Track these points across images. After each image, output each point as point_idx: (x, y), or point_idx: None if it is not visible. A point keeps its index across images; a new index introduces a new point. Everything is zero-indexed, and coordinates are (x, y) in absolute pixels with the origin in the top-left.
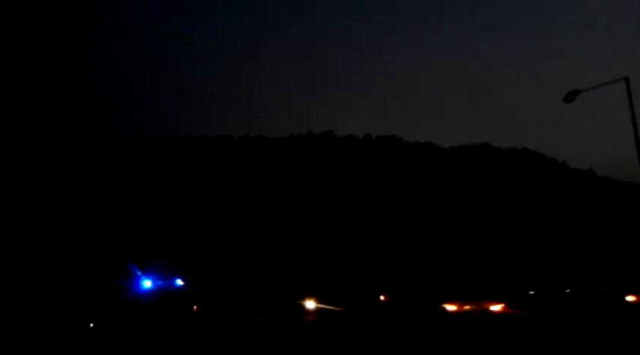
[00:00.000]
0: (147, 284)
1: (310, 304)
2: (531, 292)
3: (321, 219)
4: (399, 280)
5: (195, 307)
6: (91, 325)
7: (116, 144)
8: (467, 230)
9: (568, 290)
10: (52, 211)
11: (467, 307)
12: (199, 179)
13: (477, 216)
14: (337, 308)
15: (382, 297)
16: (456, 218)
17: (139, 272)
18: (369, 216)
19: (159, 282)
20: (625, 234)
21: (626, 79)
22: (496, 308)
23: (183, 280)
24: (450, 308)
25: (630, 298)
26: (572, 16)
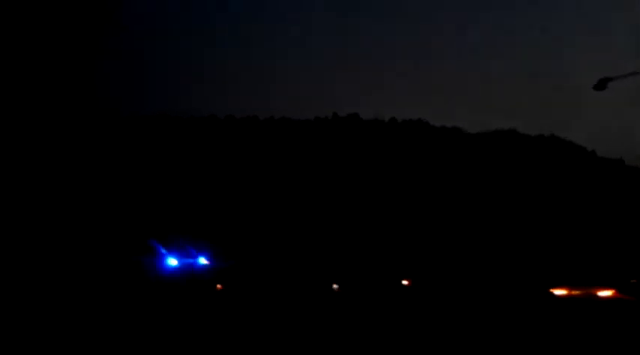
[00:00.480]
0: (172, 262)
1: (334, 286)
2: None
3: (346, 201)
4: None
5: (219, 286)
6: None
7: (141, 124)
8: (493, 215)
9: None
10: (75, 191)
11: (576, 292)
12: (224, 159)
13: (501, 203)
14: (364, 292)
15: (405, 282)
16: (480, 204)
17: (164, 250)
18: (394, 199)
19: (182, 260)
20: None
21: None
22: (606, 293)
23: (207, 259)
24: (559, 292)
25: None
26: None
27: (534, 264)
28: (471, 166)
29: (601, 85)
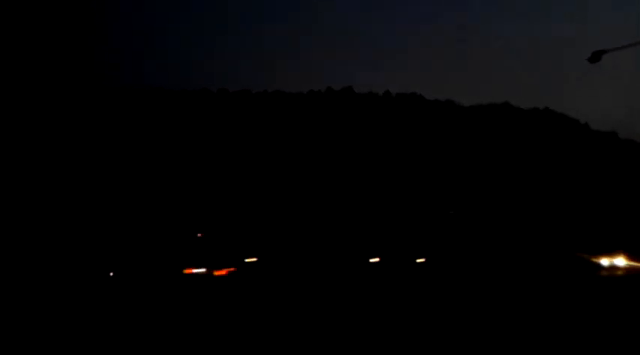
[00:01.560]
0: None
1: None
2: None
3: (339, 175)
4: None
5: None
6: (111, 274)
7: (133, 96)
8: (487, 189)
9: None
10: (59, 161)
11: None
12: (218, 133)
13: (495, 175)
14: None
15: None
16: (474, 176)
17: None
18: (388, 172)
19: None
20: None
21: None
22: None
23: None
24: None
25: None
26: None
27: (529, 232)
28: (465, 139)
29: (595, 57)
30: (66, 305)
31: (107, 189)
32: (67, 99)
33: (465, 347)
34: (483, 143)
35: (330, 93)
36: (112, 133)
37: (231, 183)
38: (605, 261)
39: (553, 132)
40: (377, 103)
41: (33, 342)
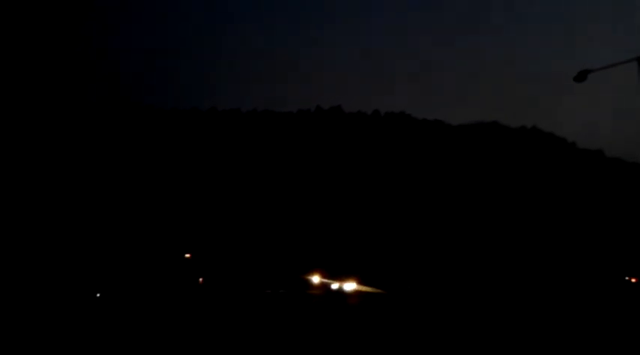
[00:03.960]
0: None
1: (315, 279)
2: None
3: (328, 193)
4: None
5: (201, 279)
6: (97, 295)
7: (124, 114)
8: (474, 206)
9: None
10: (55, 171)
11: None
12: (207, 151)
13: (484, 193)
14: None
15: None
16: (463, 194)
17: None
18: (376, 191)
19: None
20: (634, 215)
21: (639, 59)
22: None
23: (190, 253)
24: None
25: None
26: None
27: (513, 249)
28: (453, 158)
29: (581, 76)
30: (53, 326)
31: (97, 206)
32: (58, 118)
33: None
34: (472, 161)
35: (319, 112)
36: (102, 151)
37: (221, 201)
38: None
39: (540, 150)
40: (366, 122)
41: None
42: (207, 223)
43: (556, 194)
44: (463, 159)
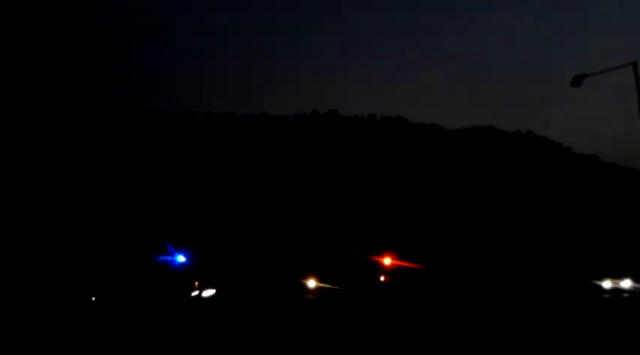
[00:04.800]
0: (180, 258)
1: (311, 283)
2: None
3: (324, 198)
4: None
5: (196, 283)
6: (93, 298)
7: (120, 120)
8: (469, 212)
9: None
10: (53, 183)
11: None
12: (203, 156)
13: (479, 199)
14: (338, 288)
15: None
16: (458, 200)
17: (172, 248)
18: (372, 196)
19: (160, 258)
20: (629, 221)
21: (634, 64)
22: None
23: (186, 256)
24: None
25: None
26: None
27: (509, 253)
28: (449, 162)
29: (577, 81)
30: (48, 330)
31: (94, 209)
32: (54, 124)
33: None
34: (467, 166)
35: (315, 116)
36: (97, 155)
37: (217, 204)
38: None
39: (536, 155)
40: (362, 126)
41: None
42: (203, 226)
43: (551, 198)
44: (459, 164)
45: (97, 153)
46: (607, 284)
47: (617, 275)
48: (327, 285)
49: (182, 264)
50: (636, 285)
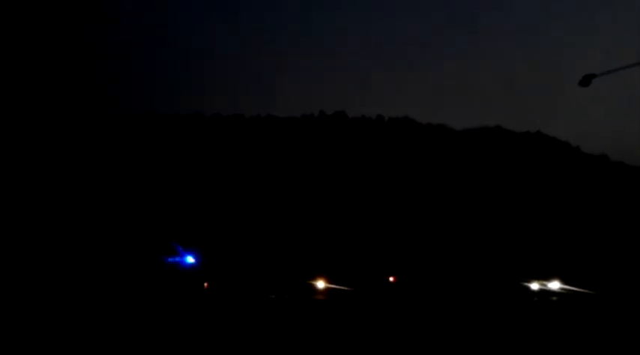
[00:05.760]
0: (190, 260)
1: (320, 284)
2: None
3: (332, 199)
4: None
5: (206, 284)
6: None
7: (128, 122)
8: (478, 211)
9: None
10: (62, 186)
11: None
12: (211, 157)
13: (488, 199)
14: (346, 288)
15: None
16: (466, 200)
17: (182, 249)
18: (380, 197)
19: (170, 259)
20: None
21: None
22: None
23: (195, 257)
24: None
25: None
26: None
27: (517, 257)
28: (458, 162)
29: (586, 81)
30: (49, 331)
31: (99, 211)
32: (63, 126)
33: None
34: (475, 166)
35: (322, 117)
36: (103, 158)
37: (225, 206)
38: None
39: (544, 154)
40: (369, 127)
41: None
42: (211, 228)
43: (560, 198)
44: (467, 164)
45: (105, 155)
46: (535, 286)
47: (545, 277)
48: (336, 286)
49: (191, 265)
50: (564, 286)
